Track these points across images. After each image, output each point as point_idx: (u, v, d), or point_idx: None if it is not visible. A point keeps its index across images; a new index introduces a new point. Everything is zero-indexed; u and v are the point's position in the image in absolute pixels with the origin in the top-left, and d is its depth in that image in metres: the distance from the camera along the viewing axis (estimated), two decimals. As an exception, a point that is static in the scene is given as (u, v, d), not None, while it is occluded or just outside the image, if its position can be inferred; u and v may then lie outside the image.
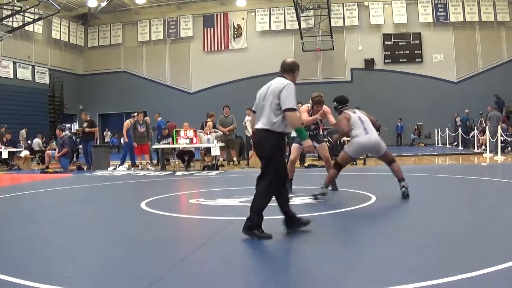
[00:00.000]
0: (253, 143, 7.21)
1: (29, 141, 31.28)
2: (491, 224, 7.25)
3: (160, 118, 24.58)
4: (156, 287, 4.60)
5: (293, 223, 6.95)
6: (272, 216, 8.43)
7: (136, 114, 22.57)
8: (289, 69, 7.01)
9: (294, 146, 11.84)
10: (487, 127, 24.70)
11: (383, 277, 4.78)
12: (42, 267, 5.47)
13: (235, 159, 22.94)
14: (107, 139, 45.28)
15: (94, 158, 22.20)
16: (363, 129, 10.13)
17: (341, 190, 10.11)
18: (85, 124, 22.88)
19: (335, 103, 10.87)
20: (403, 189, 9.94)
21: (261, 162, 6.85)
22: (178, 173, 19.23)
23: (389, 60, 42.08)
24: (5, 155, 24.50)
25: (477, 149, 27.59)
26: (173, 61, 45.89)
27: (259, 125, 6.76)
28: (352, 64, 42.36)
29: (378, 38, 42.51)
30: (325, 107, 11.58)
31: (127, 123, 22.37)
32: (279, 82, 6.80)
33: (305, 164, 20.23)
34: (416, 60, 41.71)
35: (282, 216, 7.07)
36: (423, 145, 39.29)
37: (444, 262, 5.19)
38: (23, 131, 32.77)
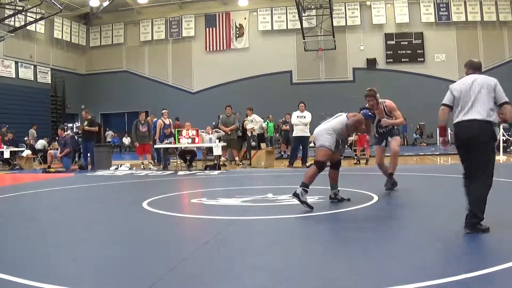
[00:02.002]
0: (463, 136, 6.96)
1: (31, 141, 31.25)
2: (493, 224, 7.23)
3: (155, 119, 24.52)
4: (157, 286, 4.59)
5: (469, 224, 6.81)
6: (272, 216, 8.44)
7: (165, 111, 22.66)
8: (480, 67, 7.27)
9: (376, 147, 11.71)
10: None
11: (385, 277, 4.77)
12: (43, 267, 5.47)
13: (237, 158, 22.92)
14: (108, 139, 45.25)
15: (96, 157, 22.16)
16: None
17: (343, 190, 10.08)
18: (85, 123, 22.76)
19: None
20: (331, 194, 9.78)
21: (471, 155, 6.86)
22: (180, 172, 19.23)
23: (391, 60, 42.14)
24: (7, 155, 24.50)
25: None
26: (175, 61, 45.96)
27: (474, 116, 6.80)
28: (354, 64, 42.40)
29: (380, 37, 42.57)
30: (389, 102, 11.18)
31: (160, 122, 22.29)
32: (485, 77, 7.01)
33: (307, 164, 20.20)
34: (418, 59, 41.75)
35: (286, 216, 7.01)
36: (425, 144, 39.30)
37: (446, 262, 5.18)
38: (33, 130, 32.73)
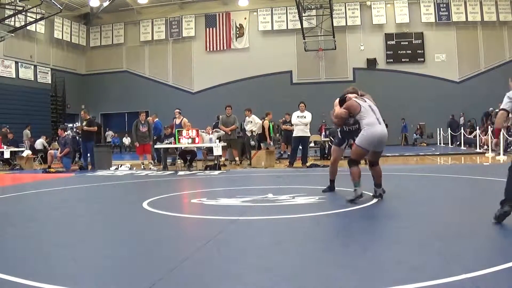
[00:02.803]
0: None
1: (26, 141, 31.22)
2: (493, 224, 7.23)
3: (157, 119, 24.53)
4: (157, 286, 4.59)
5: None
6: (272, 216, 8.44)
7: (176, 110, 22.81)
8: None
9: (334, 148, 11.41)
10: (489, 127, 24.66)
11: (385, 277, 4.77)
12: (43, 267, 5.47)
13: (237, 159, 22.93)
14: (109, 139, 45.28)
15: (96, 157, 22.18)
16: (375, 118, 9.50)
17: (343, 190, 10.07)
18: (84, 123, 22.78)
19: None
20: (378, 196, 9.74)
21: None
22: (180, 172, 19.23)
23: (391, 60, 42.22)
24: (7, 155, 24.52)
25: (479, 148, 27.59)
26: (175, 61, 46.02)
27: None
28: (354, 64, 42.47)
29: (380, 37, 42.65)
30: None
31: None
32: None
33: (307, 164, 20.23)
34: (418, 60, 41.84)
35: (286, 216, 7.01)
36: (425, 144, 39.34)
37: (446, 262, 5.18)
38: (27, 131, 32.72)
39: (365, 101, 9.74)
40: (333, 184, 11.16)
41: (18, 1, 32.82)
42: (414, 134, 41.35)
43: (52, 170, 21.37)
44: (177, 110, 23.02)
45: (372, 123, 9.41)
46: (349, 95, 10.10)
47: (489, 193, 11.59)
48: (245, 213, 8.82)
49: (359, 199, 9.36)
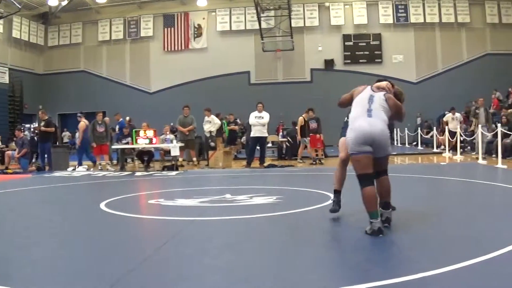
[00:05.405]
0: None
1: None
2: (458, 224, 7.34)
3: (121, 119, 24.42)
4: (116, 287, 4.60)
5: None
6: (230, 217, 8.47)
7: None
8: None
9: (343, 140, 8.28)
10: (446, 127, 24.92)
11: (340, 277, 4.82)
12: (1, 269, 5.43)
13: (194, 159, 22.89)
14: (66, 140, 44.82)
15: (53, 158, 21.99)
16: (366, 110, 7.32)
17: (301, 189, 10.10)
18: (42, 123, 22.56)
19: None
20: (385, 221, 7.05)
21: None
22: (138, 173, 19.15)
23: (349, 61, 42.27)
24: (-38, 156, 24.24)
25: (436, 148, 27.91)
26: (133, 61, 45.61)
27: None
28: (312, 65, 42.47)
29: (338, 38, 42.70)
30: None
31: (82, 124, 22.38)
32: None
33: (265, 164, 20.30)
34: (376, 60, 41.98)
35: (244, 216, 7.05)
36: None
37: (400, 260, 5.26)
38: None
39: (372, 92, 7.80)
40: (340, 197, 8.37)
41: (-25, 0, 32.47)
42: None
43: (9, 171, 21.14)
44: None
45: (354, 118, 7.36)
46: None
47: (446, 192, 11.77)
48: (203, 214, 8.84)
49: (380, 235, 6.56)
